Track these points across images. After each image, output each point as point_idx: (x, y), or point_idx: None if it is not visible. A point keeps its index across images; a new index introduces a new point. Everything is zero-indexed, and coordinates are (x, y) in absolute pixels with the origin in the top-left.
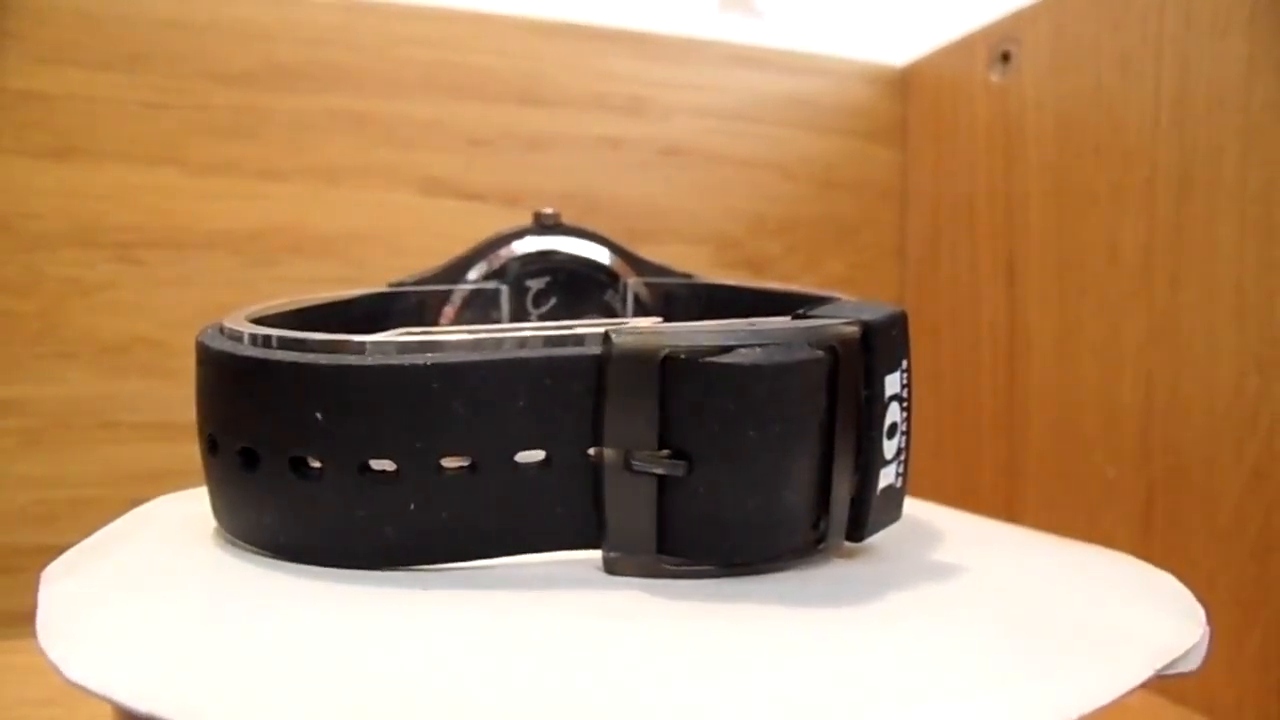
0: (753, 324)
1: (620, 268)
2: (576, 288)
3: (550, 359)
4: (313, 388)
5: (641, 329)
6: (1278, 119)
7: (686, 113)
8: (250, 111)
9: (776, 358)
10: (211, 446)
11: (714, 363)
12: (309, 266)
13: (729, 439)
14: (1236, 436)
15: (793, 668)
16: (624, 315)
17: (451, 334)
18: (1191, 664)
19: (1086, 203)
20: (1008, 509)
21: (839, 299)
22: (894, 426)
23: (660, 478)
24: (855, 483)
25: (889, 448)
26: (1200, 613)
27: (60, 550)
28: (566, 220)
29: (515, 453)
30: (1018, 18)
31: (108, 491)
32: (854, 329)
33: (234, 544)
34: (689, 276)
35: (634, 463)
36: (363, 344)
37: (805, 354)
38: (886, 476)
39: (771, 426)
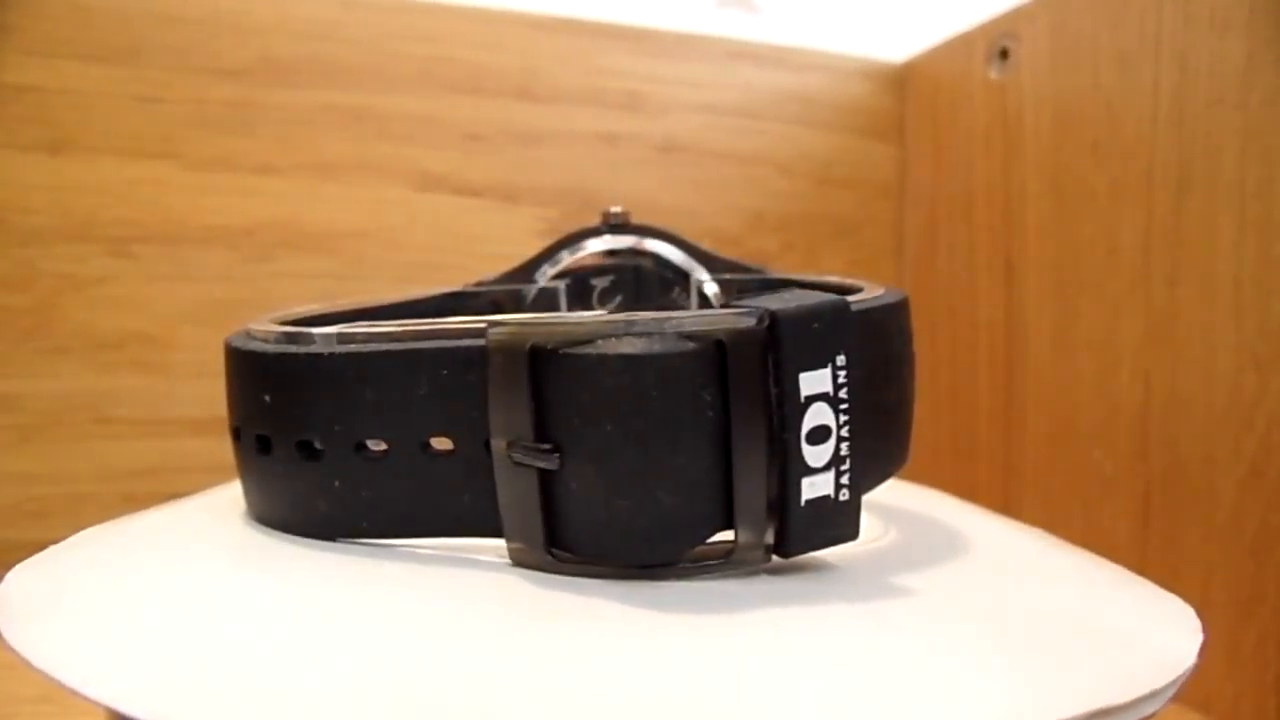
0: (633, 316)
1: (689, 265)
2: (643, 286)
3: (444, 350)
4: (263, 373)
5: (522, 320)
6: (1276, 116)
7: (684, 109)
8: (246, 107)
9: (625, 349)
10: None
11: (571, 354)
12: (304, 262)
13: (589, 433)
14: (1234, 433)
15: (614, 676)
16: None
17: (380, 327)
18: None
19: (1085, 200)
20: (1005, 505)
21: (862, 288)
22: (823, 430)
23: (541, 470)
24: (775, 491)
25: (814, 454)
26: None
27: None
28: (607, 220)
29: (426, 439)
30: (1016, 14)
31: (101, 487)
32: (750, 321)
33: (246, 515)
34: (760, 271)
35: (514, 454)
36: (312, 336)
37: (669, 346)
38: (817, 487)
39: (630, 421)
